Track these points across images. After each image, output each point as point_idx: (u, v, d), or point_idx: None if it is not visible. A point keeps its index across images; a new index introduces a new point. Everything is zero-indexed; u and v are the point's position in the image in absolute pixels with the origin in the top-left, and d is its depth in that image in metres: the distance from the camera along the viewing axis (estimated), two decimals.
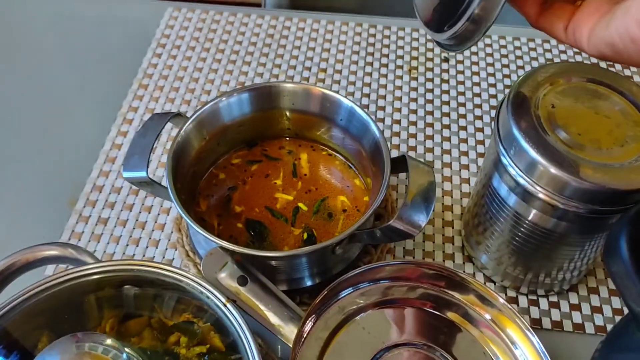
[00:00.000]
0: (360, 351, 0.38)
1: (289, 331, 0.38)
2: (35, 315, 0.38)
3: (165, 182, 0.43)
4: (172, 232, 0.52)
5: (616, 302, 0.48)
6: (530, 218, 0.41)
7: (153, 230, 0.52)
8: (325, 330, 0.39)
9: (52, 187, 0.56)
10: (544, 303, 0.48)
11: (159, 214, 0.53)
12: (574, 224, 0.40)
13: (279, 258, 0.41)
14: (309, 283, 0.45)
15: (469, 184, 0.56)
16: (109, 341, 0.32)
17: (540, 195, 0.39)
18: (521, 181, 0.39)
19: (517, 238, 0.43)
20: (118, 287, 0.40)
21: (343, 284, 0.40)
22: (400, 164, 0.45)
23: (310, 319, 0.39)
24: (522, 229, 0.42)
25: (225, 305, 0.37)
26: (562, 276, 0.46)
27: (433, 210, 0.46)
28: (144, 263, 0.38)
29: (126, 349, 0.33)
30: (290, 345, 0.37)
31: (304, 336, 0.38)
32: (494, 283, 0.49)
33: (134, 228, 0.52)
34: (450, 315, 0.41)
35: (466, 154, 0.58)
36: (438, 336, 0.40)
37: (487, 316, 0.41)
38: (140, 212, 0.54)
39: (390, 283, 0.42)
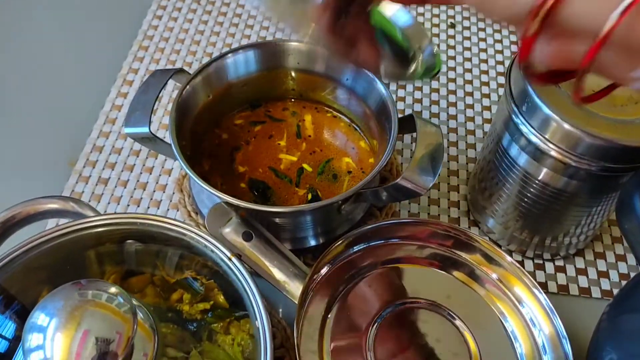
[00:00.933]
0: (366, 308, 0.38)
1: (295, 288, 0.37)
2: (35, 269, 0.37)
3: (168, 138, 0.42)
4: (173, 192, 0.51)
5: (623, 267, 0.48)
6: (540, 178, 0.40)
7: (154, 191, 0.51)
8: (331, 287, 0.39)
9: (51, 148, 0.55)
10: (549, 267, 0.47)
11: (160, 175, 0.53)
12: (585, 183, 0.39)
13: (283, 214, 0.40)
14: (312, 243, 0.44)
15: (475, 149, 0.55)
16: (113, 289, 0.31)
17: (552, 153, 0.38)
18: (533, 139, 0.38)
19: (525, 199, 0.43)
20: (120, 242, 0.39)
21: (350, 241, 0.40)
22: (407, 124, 0.44)
23: (317, 275, 0.38)
24: (532, 190, 0.42)
25: (230, 260, 0.36)
26: (569, 240, 0.46)
27: (439, 175, 0.45)
28: (148, 217, 0.37)
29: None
30: (296, 302, 0.37)
31: (310, 293, 0.38)
32: (500, 247, 0.48)
33: (134, 189, 0.51)
34: (457, 274, 0.41)
35: (472, 119, 0.57)
36: (445, 294, 0.39)
37: (494, 275, 0.40)
38: (141, 173, 0.53)
39: (398, 242, 0.41)
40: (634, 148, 0.35)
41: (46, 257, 0.37)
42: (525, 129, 0.39)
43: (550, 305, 0.37)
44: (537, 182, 0.41)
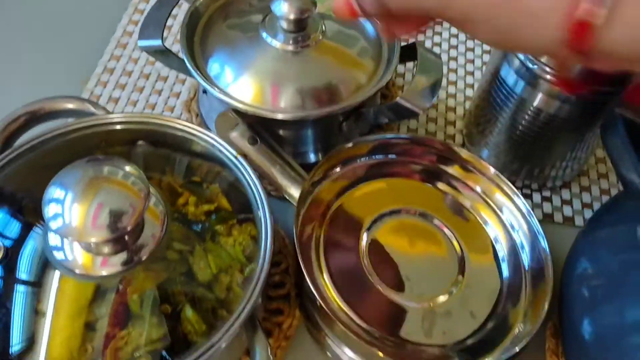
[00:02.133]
0: (360, 214, 0.40)
1: (295, 191, 0.40)
2: (44, 167, 0.36)
3: (180, 52, 0.44)
4: (181, 113, 0.53)
5: (606, 200, 0.50)
6: (535, 104, 0.42)
7: (163, 112, 0.53)
8: (328, 194, 0.41)
9: (64, 69, 0.57)
10: (537, 197, 0.50)
11: (169, 97, 0.54)
12: (576, 107, 0.41)
13: (287, 122, 0.42)
14: (313, 159, 0.46)
15: (473, 88, 0.57)
16: (128, 168, 0.32)
17: (548, 77, 0.40)
18: (530, 65, 0.40)
19: (520, 127, 0.45)
20: (130, 143, 0.41)
21: (349, 150, 0.42)
22: (410, 52, 0.46)
23: (314, 180, 0.40)
24: (526, 117, 0.44)
25: (236, 158, 0.38)
26: (556, 172, 0.48)
27: (437, 98, 0.47)
28: (159, 117, 0.39)
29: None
30: (295, 204, 0.39)
31: (309, 197, 0.40)
32: None
33: (144, 108, 0.54)
34: (446, 187, 0.43)
35: (472, 50, 0.59)
36: (434, 206, 0.42)
37: (478, 188, 0.43)
38: (150, 94, 0.55)
39: (394, 158, 0.43)
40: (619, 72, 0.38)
41: (55, 155, 0.38)
42: (522, 56, 0.40)
43: (528, 208, 0.40)
44: (531, 109, 0.43)
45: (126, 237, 0.32)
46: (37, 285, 0.34)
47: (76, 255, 0.33)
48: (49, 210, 0.31)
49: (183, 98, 0.54)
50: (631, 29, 0.18)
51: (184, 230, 0.39)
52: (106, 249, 0.32)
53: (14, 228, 0.36)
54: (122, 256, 0.33)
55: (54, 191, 0.31)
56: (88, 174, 0.32)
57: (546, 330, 0.42)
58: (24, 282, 0.35)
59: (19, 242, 0.35)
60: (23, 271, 0.34)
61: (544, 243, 0.38)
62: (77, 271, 0.32)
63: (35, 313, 0.33)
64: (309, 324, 0.40)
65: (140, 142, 0.41)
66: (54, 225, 0.30)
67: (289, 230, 0.46)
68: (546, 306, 0.36)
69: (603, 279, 0.36)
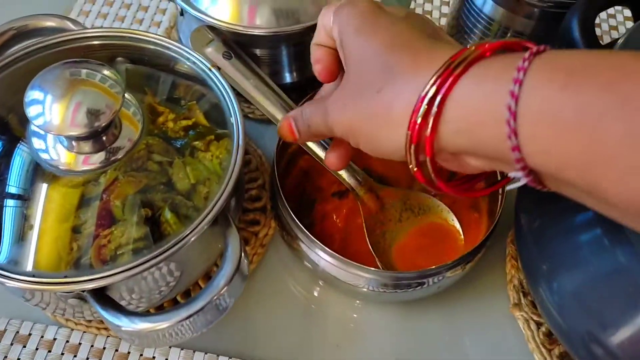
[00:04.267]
0: None
1: (269, 105, 0.41)
2: (24, 85, 0.34)
3: None
4: None
5: None
6: (504, 23, 0.44)
7: None
8: None
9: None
10: None
11: (150, 26, 0.56)
12: (540, 22, 0.43)
13: (261, 38, 0.43)
14: (288, 79, 0.48)
15: (448, 5, 0.58)
16: (106, 71, 0.34)
17: None
18: None
19: None
20: (110, 59, 0.42)
21: None
22: None
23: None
24: (495, 37, 0.45)
25: (210, 70, 0.40)
26: None
27: None
28: (135, 31, 0.41)
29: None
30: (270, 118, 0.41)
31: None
32: None
33: None
34: None
35: None
36: None
37: None
38: (132, 24, 0.56)
39: None
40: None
41: (34, 72, 0.38)
42: None
43: None
44: (499, 28, 0.45)
45: (103, 137, 0.34)
46: (26, 195, 0.35)
47: (60, 155, 0.34)
48: (31, 110, 0.32)
49: (164, 26, 0.56)
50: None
51: (164, 144, 0.41)
52: (86, 148, 0.34)
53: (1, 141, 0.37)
54: (101, 155, 0.35)
55: (34, 93, 0.33)
56: (65, 76, 0.33)
57: (507, 238, 0.45)
58: (13, 193, 0.36)
59: (7, 155, 0.36)
60: (12, 183, 0.36)
61: None
62: (61, 168, 0.34)
63: (24, 219, 0.34)
64: (284, 232, 0.43)
65: (119, 59, 0.42)
66: (37, 122, 0.32)
67: (265, 151, 0.49)
68: None
69: None
